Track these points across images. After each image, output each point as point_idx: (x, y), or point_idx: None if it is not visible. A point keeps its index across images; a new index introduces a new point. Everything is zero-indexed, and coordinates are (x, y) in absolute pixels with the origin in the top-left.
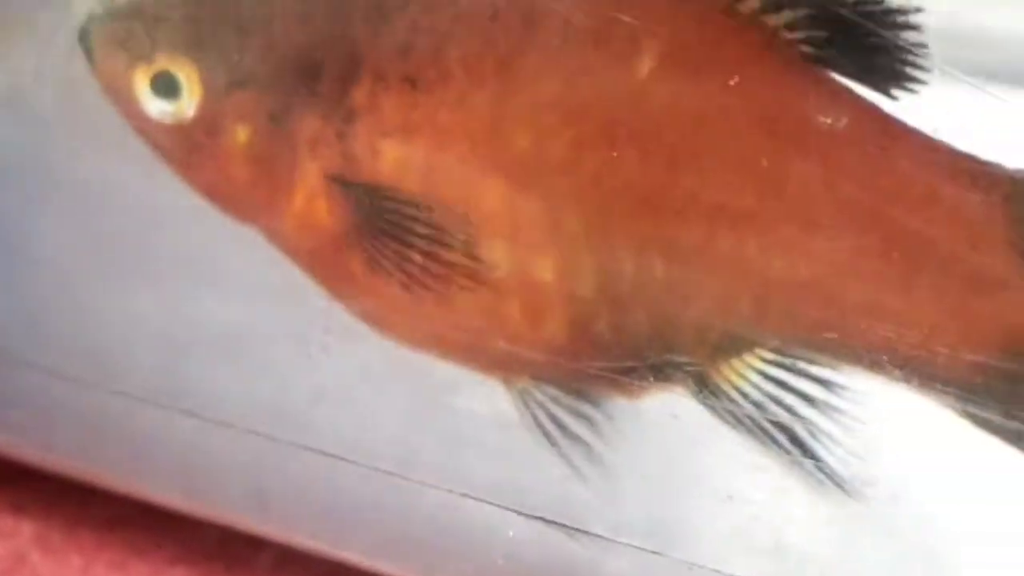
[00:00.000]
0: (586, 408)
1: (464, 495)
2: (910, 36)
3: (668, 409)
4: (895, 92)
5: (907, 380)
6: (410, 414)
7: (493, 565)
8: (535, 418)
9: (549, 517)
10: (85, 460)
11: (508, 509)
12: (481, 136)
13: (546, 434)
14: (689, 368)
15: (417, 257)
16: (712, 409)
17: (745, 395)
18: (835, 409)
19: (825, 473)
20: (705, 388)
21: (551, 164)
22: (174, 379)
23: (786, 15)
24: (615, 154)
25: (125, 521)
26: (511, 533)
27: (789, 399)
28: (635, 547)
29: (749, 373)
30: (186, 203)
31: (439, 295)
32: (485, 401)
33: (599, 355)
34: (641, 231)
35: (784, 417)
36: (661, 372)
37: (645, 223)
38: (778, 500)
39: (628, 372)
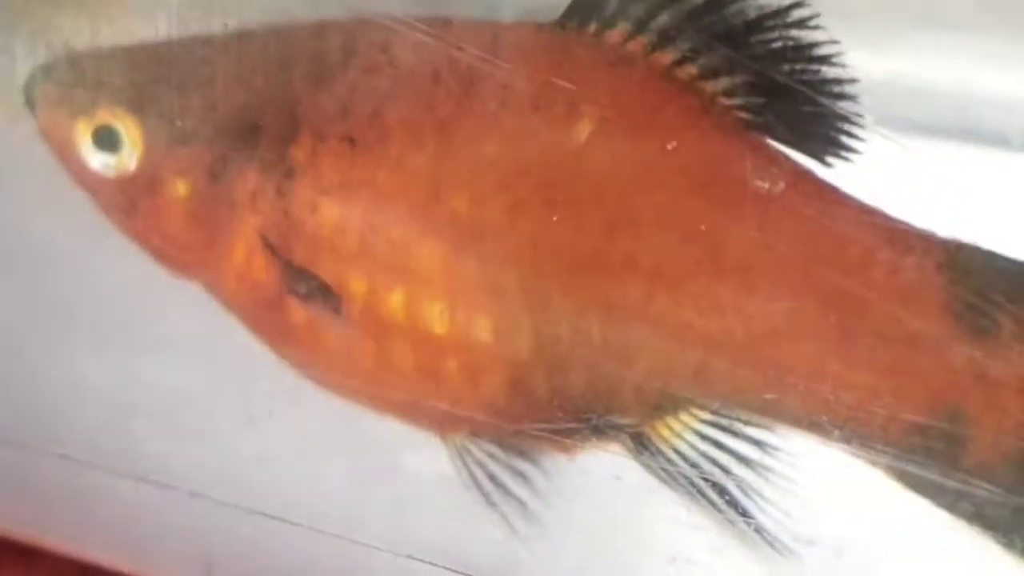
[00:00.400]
0: (523, 465)
1: (410, 557)
2: (846, 105)
3: (609, 469)
4: (830, 159)
5: (846, 441)
6: (355, 476)
7: None
8: (472, 474)
9: None
10: (30, 523)
11: (453, 571)
12: (418, 197)
13: (482, 491)
14: (627, 427)
15: (345, 321)
16: (649, 468)
17: (681, 454)
18: (768, 469)
19: (759, 533)
20: (642, 447)
21: (488, 226)
22: (119, 442)
23: (723, 82)
24: (553, 217)
25: None
26: None
27: (724, 459)
28: None
29: (685, 433)
30: (131, 268)
31: (376, 353)
32: (429, 461)
33: (537, 415)
34: (578, 293)
35: (718, 476)
36: (600, 431)
37: (582, 285)
38: (719, 560)
39: (567, 433)
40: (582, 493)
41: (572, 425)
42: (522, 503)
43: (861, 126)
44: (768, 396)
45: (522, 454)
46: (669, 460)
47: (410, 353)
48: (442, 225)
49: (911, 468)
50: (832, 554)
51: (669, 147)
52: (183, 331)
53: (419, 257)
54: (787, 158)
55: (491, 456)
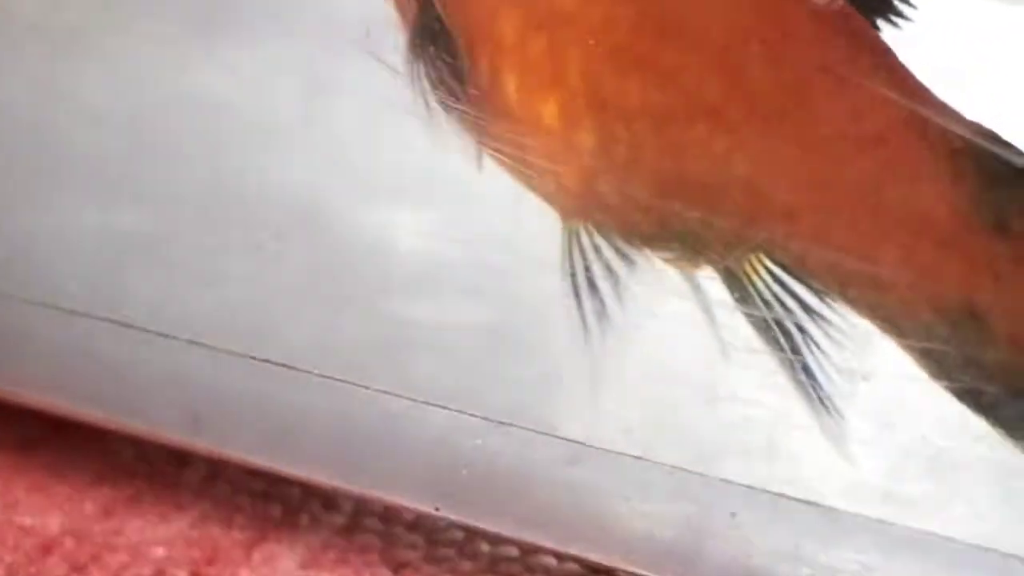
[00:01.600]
0: (621, 268)
1: (424, 402)
2: None
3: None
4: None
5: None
6: (359, 321)
7: (456, 476)
8: (571, 261)
9: (519, 423)
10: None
11: (472, 415)
12: None
13: (574, 280)
14: (712, 253)
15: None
16: (733, 299)
17: (758, 291)
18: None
19: (809, 377)
20: (728, 275)
21: (559, 7)
22: (105, 289)
23: None
24: (616, 10)
25: (42, 443)
26: (478, 441)
27: (791, 303)
28: (614, 452)
29: (763, 272)
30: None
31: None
32: (441, 309)
33: (622, 219)
34: (630, 97)
35: (786, 320)
36: (689, 253)
37: (633, 89)
38: (774, 400)
39: (655, 244)
40: (652, 310)
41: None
42: (603, 304)
43: None
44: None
45: (625, 258)
46: (748, 294)
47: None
48: None
49: (931, 357)
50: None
51: None
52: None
53: (501, 27)
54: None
55: (596, 250)
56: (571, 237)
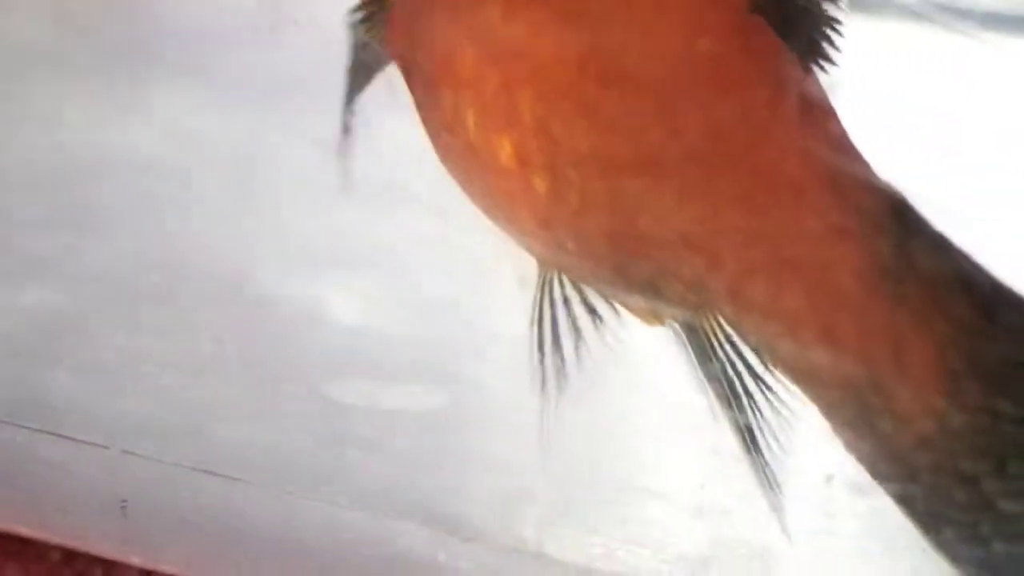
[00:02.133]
0: (585, 320)
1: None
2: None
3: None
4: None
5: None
6: (297, 413)
7: None
8: (539, 310)
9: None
10: None
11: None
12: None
13: (539, 330)
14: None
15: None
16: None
17: (714, 349)
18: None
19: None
20: (689, 330)
21: (510, 43)
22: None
23: None
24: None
25: None
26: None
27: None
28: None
29: (718, 330)
30: None
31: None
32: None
33: (577, 264)
34: (578, 141)
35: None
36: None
37: (580, 134)
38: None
39: (614, 289)
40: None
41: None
42: (562, 361)
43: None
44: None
45: (593, 312)
46: (704, 352)
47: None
48: (476, 30)
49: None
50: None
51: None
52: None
53: (458, 60)
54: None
55: (566, 301)
56: (544, 285)
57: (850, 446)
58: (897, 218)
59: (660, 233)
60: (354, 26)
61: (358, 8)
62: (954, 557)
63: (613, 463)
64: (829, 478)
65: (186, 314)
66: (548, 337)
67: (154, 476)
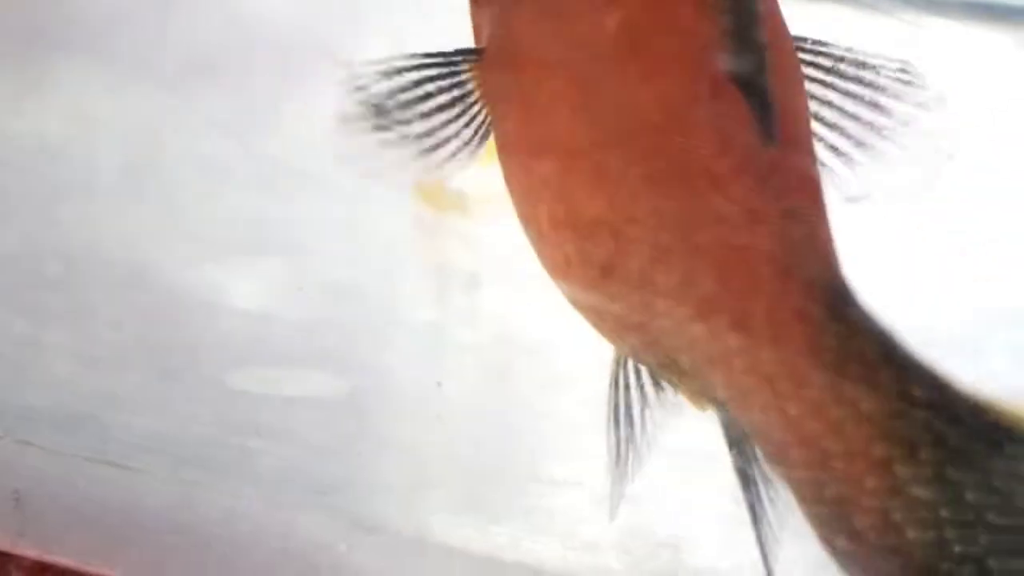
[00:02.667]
0: (651, 390)
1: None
2: None
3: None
4: None
5: None
6: (196, 400)
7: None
8: (613, 393)
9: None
10: None
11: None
12: None
13: (615, 409)
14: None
15: None
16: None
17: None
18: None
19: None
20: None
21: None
22: None
23: None
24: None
25: None
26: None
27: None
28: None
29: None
30: None
31: None
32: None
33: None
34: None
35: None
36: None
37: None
38: None
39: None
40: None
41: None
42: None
43: None
44: None
45: (657, 384)
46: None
47: None
48: None
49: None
50: None
51: None
52: None
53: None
54: None
55: (637, 373)
56: (618, 362)
57: (760, 434)
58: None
59: (573, 220)
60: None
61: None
62: (866, 545)
63: (519, 452)
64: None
65: (84, 301)
66: (623, 410)
67: (50, 466)
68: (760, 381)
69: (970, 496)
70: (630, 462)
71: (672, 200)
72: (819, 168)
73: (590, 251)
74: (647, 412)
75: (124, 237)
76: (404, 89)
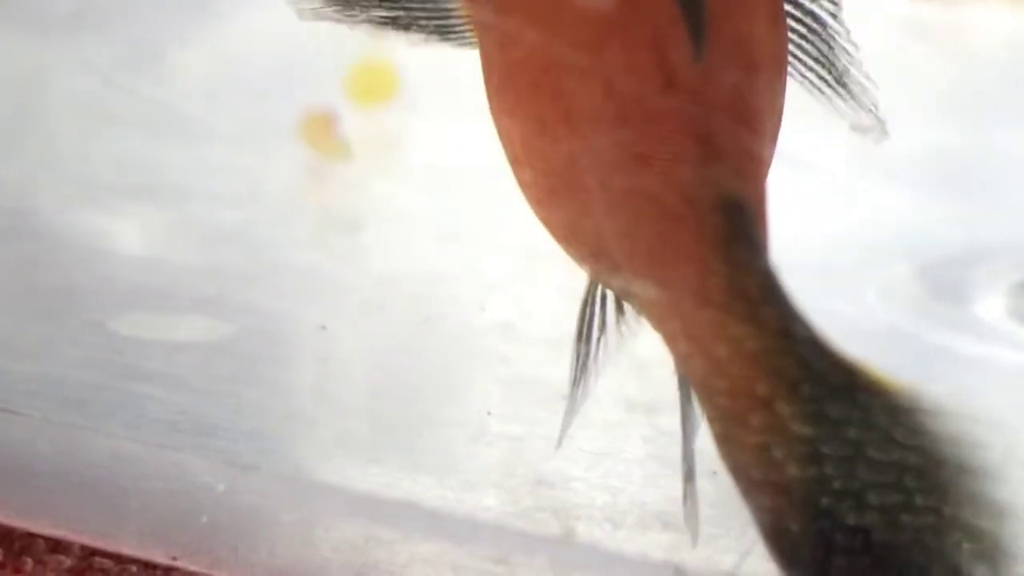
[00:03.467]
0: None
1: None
2: None
3: None
4: None
5: None
6: (80, 346)
7: (195, 524)
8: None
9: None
10: None
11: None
12: None
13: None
14: None
15: None
16: None
17: None
18: None
19: None
20: None
21: None
22: None
23: None
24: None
25: None
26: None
27: None
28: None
29: None
30: None
31: None
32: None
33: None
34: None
35: None
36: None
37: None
38: None
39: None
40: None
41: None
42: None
43: None
44: None
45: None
46: None
47: None
48: None
49: None
50: None
51: None
52: None
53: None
54: None
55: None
56: (589, 285)
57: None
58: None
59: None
60: None
61: None
62: (748, 480)
63: (399, 393)
64: (617, 400)
65: None
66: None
67: None
68: (657, 318)
69: (850, 432)
70: (584, 381)
71: (606, 118)
72: (766, 91)
73: (549, 172)
74: (604, 337)
75: (5, 182)
76: None
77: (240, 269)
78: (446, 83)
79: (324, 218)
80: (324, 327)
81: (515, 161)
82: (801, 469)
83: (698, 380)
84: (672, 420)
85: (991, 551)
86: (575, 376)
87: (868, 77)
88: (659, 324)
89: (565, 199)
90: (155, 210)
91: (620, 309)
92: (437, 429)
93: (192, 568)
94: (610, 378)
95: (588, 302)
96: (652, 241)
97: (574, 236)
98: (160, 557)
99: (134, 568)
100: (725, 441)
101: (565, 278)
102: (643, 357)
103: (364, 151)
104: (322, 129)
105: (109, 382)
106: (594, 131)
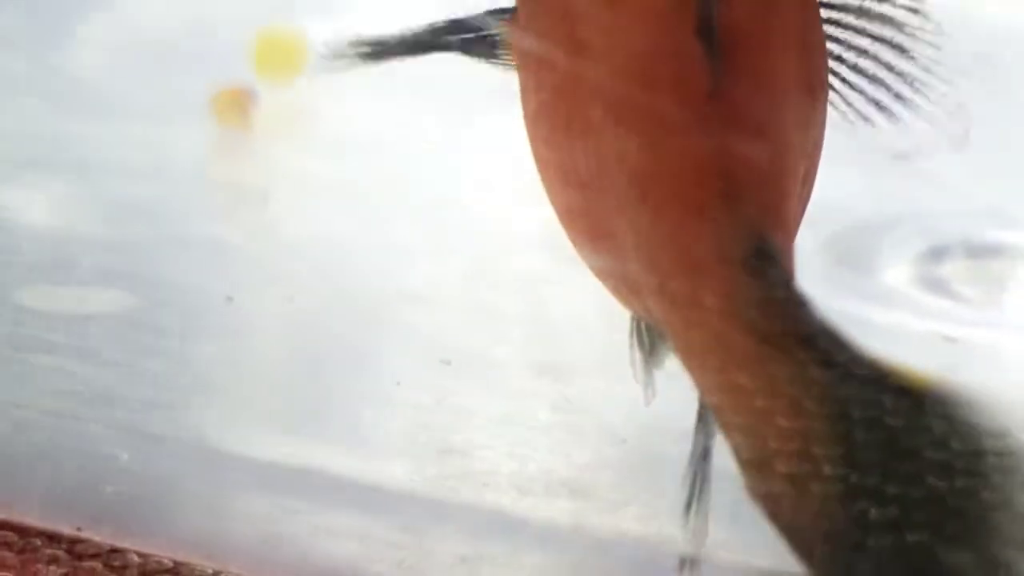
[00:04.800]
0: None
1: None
2: None
3: None
4: None
5: None
6: None
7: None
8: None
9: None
10: None
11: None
12: None
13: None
14: None
15: None
16: None
17: None
18: None
19: None
20: None
21: None
22: None
23: None
24: None
25: None
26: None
27: None
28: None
29: None
30: None
31: None
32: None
33: None
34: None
35: None
36: None
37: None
38: None
39: None
40: None
41: None
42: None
43: None
44: None
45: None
46: None
47: None
48: None
49: None
50: None
51: None
52: None
53: None
54: None
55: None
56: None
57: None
58: None
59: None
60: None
61: None
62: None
63: (305, 364)
64: (523, 367)
65: None
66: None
67: None
68: (684, 347)
69: (883, 449)
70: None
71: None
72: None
73: (580, 205)
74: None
75: None
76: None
77: (147, 242)
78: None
79: (232, 190)
80: (231, 298)
81: (548, 184)
82: (836, 493)
83: (721, 410)
84: (579, 386)
85: None
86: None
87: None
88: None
89: (598, 238)
90: (61, 182)
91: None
92: (345, 399)
93: (97, 539)
94: (516, 344)
95: (633, 339)
96: (676, 276)
97: (610, 275)
98: (65, 528)
99: (38, 540)
100: (755, 469)
101: (474, 248)
102: (550, 321)
103: (273, 123)
104: (231, 101)
105: (13, 354)
106: (618, 171)
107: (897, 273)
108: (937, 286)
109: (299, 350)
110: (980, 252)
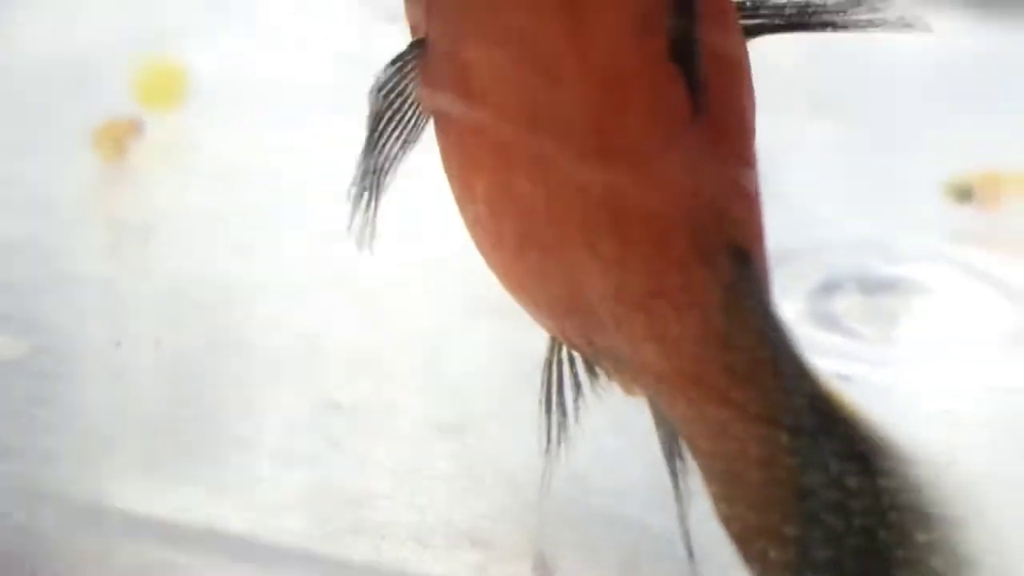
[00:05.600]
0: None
1: None
2: None
3: None
4: None
5: None
6: None
7: None
8: (548, 372)
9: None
10: None
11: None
12: None
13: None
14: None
15: None
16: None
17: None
18: None
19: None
20: None
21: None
22: None
23: None
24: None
25: None
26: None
27: None
28: None
29: None
30: None
31: None
32: None
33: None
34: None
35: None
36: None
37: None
38: None
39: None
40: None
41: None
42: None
43: None
44: None
45: (592, 370)
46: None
47: None
48: None
49: None
50: None
51: None
52: None
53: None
54: None
55: (571, 360)
56: (554, 345)
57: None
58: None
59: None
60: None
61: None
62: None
63: (197, 412)
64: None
65: None
66: (555, 395)
67: None
68: (643, 380)
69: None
70: (560, 446)
71: (598, 176)
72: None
73: (524, 230)
74: (580, 400)
75: None
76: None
77: (31, 283)
78: (238, 85)
79: (114, 227)
80: (119, 343)
81: (477, 218)
82: (800, 523)
83: (694, 439)
84: (479, 436)
85: None
86: (549, 443)
87: None
88: (646, 385)
89: (539, 255)
90: None
91: (592, 371)
92: (239, 448)
93: None
94: (416, 395)
95: (552, 364)
96: (648, 294)
97: (556, 310)
98: None
99: None
100: (724, 500)
101: (366, 288)
102: (450, 374)
103: (154, 156)
104: (110, 135)
105: None
106: (580, 200)
107: (791, 308)
108: (831, 322)
109: (190, 396)
110: (873, 287)
